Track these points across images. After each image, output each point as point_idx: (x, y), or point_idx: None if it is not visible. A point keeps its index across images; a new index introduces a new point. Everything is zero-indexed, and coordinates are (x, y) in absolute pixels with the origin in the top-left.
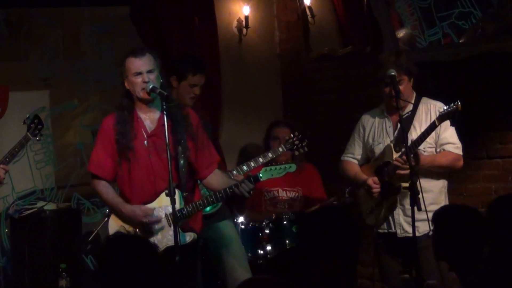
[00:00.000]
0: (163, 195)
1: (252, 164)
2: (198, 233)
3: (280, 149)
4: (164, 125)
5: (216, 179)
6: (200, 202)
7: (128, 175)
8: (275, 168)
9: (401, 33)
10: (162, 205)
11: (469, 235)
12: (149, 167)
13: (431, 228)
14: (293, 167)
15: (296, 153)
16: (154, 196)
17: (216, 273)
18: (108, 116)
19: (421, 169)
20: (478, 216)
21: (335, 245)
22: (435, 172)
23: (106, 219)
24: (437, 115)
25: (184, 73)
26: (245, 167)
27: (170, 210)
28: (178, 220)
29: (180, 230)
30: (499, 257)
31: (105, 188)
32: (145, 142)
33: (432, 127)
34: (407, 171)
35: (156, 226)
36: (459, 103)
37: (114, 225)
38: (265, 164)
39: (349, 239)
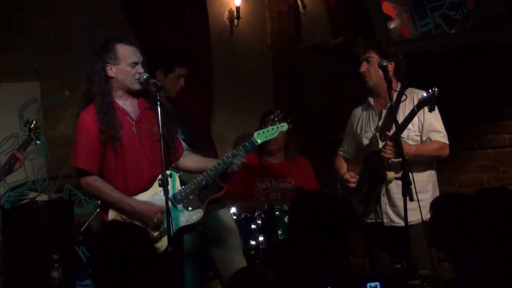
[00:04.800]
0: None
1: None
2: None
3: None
4: (147, 109)
5: (191, 159)
6: (202, 178)
7: (117, 165)
8: (268, 130)
9: (392, 24)
10: (157, 190)
11: (467, 223)
12: (143, 154)
13: (424, 217)
14: (284, 126)
15: (283, 134)
16: (151, 181)
17: (209, 263)
18: (87, 108)
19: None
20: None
21: (324, 235)
22: (421, 162)
23: (98, 210)
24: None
25: (172, 65)
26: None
27: (172, 193)
28: (181, 201)
29: (186, 210)
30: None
31: (104, 185)
32: (134, 128)
33: (412, 114)
34: (395, 157)
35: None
36: (436, 90)
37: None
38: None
39: (339, 229)
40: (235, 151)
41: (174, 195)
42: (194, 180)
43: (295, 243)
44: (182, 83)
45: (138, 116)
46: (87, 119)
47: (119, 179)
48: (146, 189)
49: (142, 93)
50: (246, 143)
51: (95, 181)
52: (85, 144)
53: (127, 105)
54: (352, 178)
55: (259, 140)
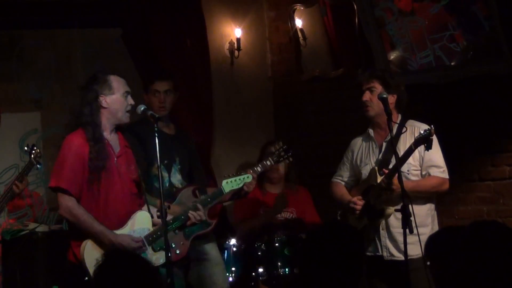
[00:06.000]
0: (135, 218)
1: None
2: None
3: (268, 162)
4: (126, 146)
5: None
6: (170, 221)
7: (99, 196)
8: (235, 180)
9: (392, 56)
10: (135, 228)
11: (466, 257)
12: (121, 188)
13: (423, 251)
14: (249, 177)
15: (283, 164)
16: (126, 218)
17: None
18: (74, 133)
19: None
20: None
21: (340, 266)
22: (420, 196)
23: None
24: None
25: (146, 84)
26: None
27: (145, 233)
28: (151, 242)
29: (152, 251)
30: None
31: (86, 214)
32: (115, 162)
33: (409, 152)
34: (394, 192)
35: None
36: (432, 128)
37: (94, 252)
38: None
39: (352, 263)
40: (204, 199)
41: (145, 236)
42: (171, 219)
43: (309, 274)
44: (161, 99)
45: (118, 152)
46: (77, 142)
47: (100, 209)
48: (122, 226)
49: (121, 130)
50: (216, 191)
51: (78, 208)
52: (73, 166)
53: (110, 138)
54: (359, 201)
55: (226, 189)
